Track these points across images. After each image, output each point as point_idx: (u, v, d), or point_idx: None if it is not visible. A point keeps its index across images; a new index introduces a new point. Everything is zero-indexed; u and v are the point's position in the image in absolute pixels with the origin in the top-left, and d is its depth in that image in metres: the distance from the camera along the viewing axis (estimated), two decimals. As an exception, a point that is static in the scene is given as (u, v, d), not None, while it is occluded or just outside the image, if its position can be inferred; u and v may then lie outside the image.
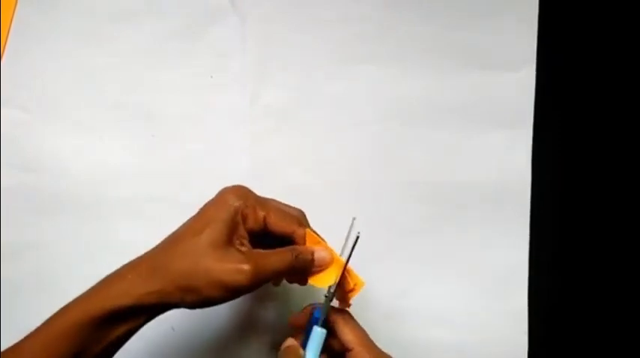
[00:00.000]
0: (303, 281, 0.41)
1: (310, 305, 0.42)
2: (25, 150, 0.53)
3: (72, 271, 0.51)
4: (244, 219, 0.39)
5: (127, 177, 0.52)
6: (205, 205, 0.40)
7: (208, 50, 0.54)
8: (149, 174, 0.52)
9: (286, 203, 0.42)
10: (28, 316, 0.50)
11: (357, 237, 0.40)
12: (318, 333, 0.40)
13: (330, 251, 0.41)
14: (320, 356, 0.40)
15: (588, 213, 0.51)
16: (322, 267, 0.41)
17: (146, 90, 0.53)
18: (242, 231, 0.39)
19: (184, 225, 0.40)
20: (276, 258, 0.39)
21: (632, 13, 0.53)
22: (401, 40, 0.54)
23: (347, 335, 0.40)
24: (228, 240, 0.38)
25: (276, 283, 0.45)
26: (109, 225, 0.52)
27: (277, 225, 0.40)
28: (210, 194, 0.52)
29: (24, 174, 0.52)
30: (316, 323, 0.40)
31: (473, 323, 0.50)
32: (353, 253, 0.41)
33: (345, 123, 0.53)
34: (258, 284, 0.37)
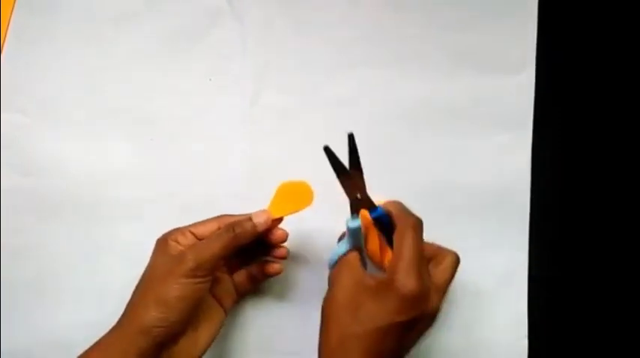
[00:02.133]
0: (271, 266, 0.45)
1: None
2: (24, 153, 0.53)
3: (72, 273, 0.51)
4: (178, 242, 0.42)
5: (127, 179, 0.52)
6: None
7: (208, 52, 0.54)
8: (149, 176, 0.52)
9: None
10: (29, 318, 0.50)
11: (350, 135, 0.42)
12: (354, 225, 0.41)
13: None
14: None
15: (588, 215, 0.51)
16: (268, 227, 0.43)
17: (145, 92, 0.54)
18: (181, 249, 0.42)
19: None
20: (214, 240, 0.41)
21: (632, 14, 0.53)
22: (400, 43, 0.54)
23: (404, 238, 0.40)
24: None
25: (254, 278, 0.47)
26: (108, 227, 0.52)
27: (206, 231, 0.43)
28: (210, 195, 0.52)
29: (24, 176, 0.52)
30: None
31: (472, 326, 0.50)
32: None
33: (345, 126, 0.53)
34: (207, 269, 0.40)
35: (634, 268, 0.50)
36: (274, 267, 0.45)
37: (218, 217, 0.44)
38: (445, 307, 0.50)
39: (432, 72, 0.53)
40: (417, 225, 0.40)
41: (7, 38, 0.54)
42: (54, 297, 0.51)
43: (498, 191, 0.51)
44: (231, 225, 0.42)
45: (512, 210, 0.51)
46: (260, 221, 0.43)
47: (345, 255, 0.41)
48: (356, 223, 0.41)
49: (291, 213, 0.44)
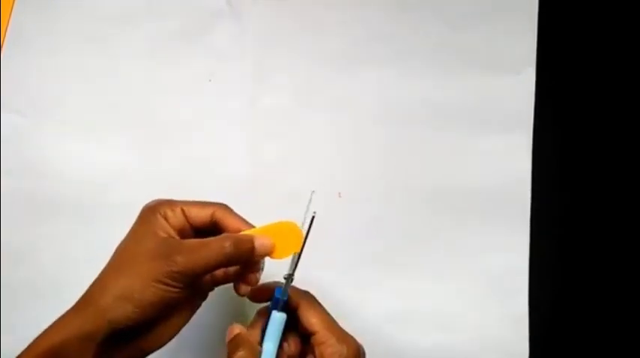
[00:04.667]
0: (245, 281, 0.40)
1: (275, 282, 0.40)
2: (22, 155, 0.53)
3: (71, 275, 0.51)
4: (167, 218, 0.38)
5: (126, 181, 0.52)
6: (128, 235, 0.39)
7: (207, 53, 0.54)
8: (148, 178, 0.52)
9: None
10: (28, 320, 0.50)
11: (313, 217, 0.39)
12: (277, 319, 0.38)
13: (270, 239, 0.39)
14: (283, 342, 0.39)
15: (589, 217, 0.51)
16: (265, 256, 0.39)
17: (144, 93, 0.54)
18: (169, 230, 0.38)
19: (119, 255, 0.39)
20: (210, 252, 0.37)
21: (632, 14, 0.53)
22: (401, 44, 0.54)
23: (310, 318, 0.39)
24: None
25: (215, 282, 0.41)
26: (107, 230, 0.51)
27: (197, 215, 0.39)
28: (209, 197, 0.52)
29: (22, 178, 0.52)
30: (276, 307, 0.38)
31: (473, 328, 0.49)
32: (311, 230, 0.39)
33: (345, 127, 0.53)
34: (192, 277, 0.36)
35: (635, 268, 0.50)
36: (242, 288, 0.40)
37: (216, 205, 0.40)
38: (445, 311, 0.50)
39: (431, 72, 0.53)
40: (312, 295, 0.41)
41: (6, 38, 0.54)
42: (53, 299, 0.50)
43: (499, 191, 0.51)
44: (226, 239, 0.38)
45: (512, 210, 0.51)
46: (261, 246, 0.38)
47: None
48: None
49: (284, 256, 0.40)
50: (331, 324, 0.39)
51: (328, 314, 0.40)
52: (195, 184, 0.52)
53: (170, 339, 0.39)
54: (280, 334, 0.38)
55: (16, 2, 0.55)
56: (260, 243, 0.38)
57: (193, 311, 0.40)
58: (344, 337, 0.39)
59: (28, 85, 0.54)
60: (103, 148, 0.53)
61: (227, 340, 0.39)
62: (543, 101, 0.52)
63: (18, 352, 0.49)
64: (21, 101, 0.53)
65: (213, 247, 0.37)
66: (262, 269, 0.41)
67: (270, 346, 0.38)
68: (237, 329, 0.39)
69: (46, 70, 0.54)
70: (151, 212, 0.39)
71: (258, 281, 0.40)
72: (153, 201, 0.40)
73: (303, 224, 0.39)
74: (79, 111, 0.53)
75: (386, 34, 0.54)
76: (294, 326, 0.40)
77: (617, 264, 0.50)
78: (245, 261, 0.39)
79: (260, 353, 0.37)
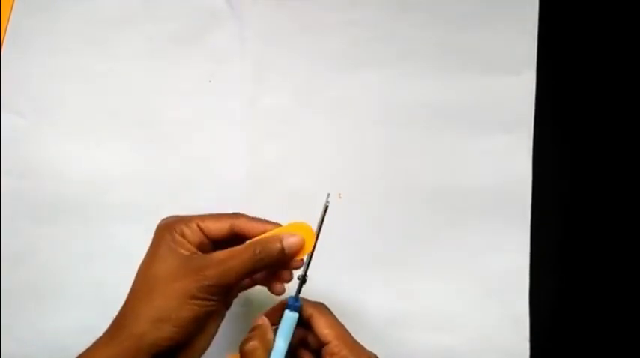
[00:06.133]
0: (280, 279, 0.40)
1: (286, 299, 0.41)
2: (22, 156, 0.53)
3: (71, 275, 0.51)
4: (184, 236, 0.38)
5: (126, 181, 0.52)
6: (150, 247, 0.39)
7: (207, 54, 0.54)
8: (148, 178, 0.52)
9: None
10: (28, 321, 0.50)
11: (327, 207, 0.40)
12: (289, 317, 0.39)
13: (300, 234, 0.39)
14: (297, 348, 0.39)
15: (590, 217, 0.51)
16: (296, 254, 0.39)
17: (144, 94, 0.54)
18: (189, 247, 0.38)
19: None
20: (239, 255, 0.37)
21: (632, 15, 0.53)
22: (401, 44, 0.54)
23: (323, 328, 0.39)
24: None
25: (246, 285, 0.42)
26: (107, 232, 0.52)
27: (214, 227, 0.39)
28: (209, 197, 0.52)
29: (22, 178, 0.52)
30: (289, 308, 0.39)
31: (473, 329, 0.49)
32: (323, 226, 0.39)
33: (346, 128, 0.53)
34: (225, 287, 0.37)
35: (635, 268, 0.50)
36: (277, 287, 0.40)
37: (232, 216, 0.40)
38: (446, 312, 0.50)
39: (432, 73, 0.53)
40: (326, 306, 0.41)
41: (6, 38, 0.54)
42: (53, 301, 0.51)
43: (499, 191, 0.51)
44: (253, 245, 0.38)
45: (513, 210, 0.51)
46: (290, 244, 0.38)
47: None
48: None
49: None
50: (344, 335, 0.39)
51: (341, 325, 0.40)
52: (195, 184, 0.52)
53: (205, 350, 0.39)
54: (291, 332, 0.39)
55: (16, 2, 0.55)
56: (289, 242, 0.38)
57: (223, 318, 0.40)
58: (357, 349, 0.39)
59: (28, 86, 0.54)
60: (103, 148, 0.53)
61: (251, 326, 0.39)
62: (543, 101, 0.52)
63: (18, 352, 0.49)
64: (21, 101, 0.53)
65: (243, 255, 0.37)
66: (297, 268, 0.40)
67: (280, 343, 0.38)
68: (261, 320, 0.39)
69: (46, 70, 0.54)
70: (167, 231, 0.38)
71: (291, 277, 0.40)
72: (166, 220, 0.39)
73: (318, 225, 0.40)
74: (79, 112, 0.53)
75: (386, 34, 0.54)
76: (305, 341, 0.40)
77: (618, 264, 0.50)
78: (275, 262, 0.38)
79: (271, 348, 0.38)
